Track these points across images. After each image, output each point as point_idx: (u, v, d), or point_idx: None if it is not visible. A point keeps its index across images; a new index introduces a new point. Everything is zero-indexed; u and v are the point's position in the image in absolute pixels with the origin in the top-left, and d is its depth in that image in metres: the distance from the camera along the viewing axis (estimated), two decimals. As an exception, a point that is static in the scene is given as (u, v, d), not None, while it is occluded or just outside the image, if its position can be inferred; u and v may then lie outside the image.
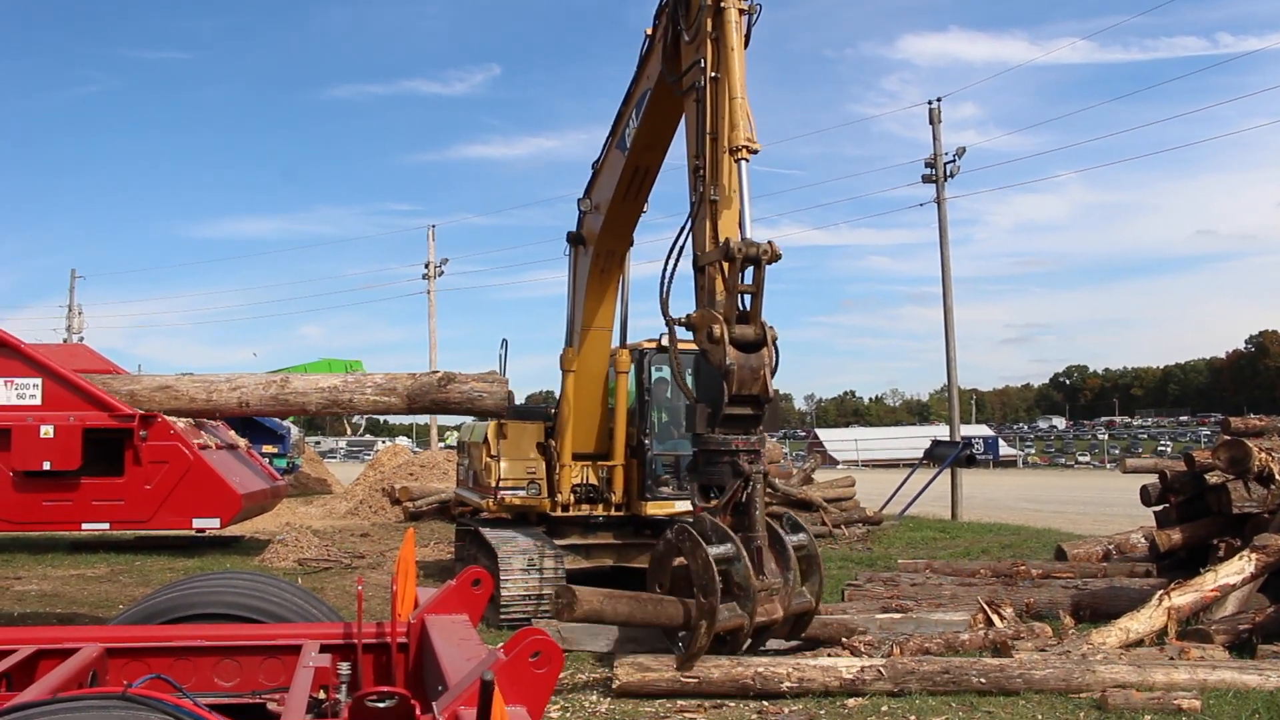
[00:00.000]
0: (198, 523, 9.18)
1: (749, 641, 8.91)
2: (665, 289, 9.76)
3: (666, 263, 9.82)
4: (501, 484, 13.27)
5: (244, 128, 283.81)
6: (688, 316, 9.31)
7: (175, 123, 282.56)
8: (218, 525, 9.31)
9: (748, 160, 9.19)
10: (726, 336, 8.82)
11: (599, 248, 13.11)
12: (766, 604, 8.78)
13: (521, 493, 13.25)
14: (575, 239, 13.50)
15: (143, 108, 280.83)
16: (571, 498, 13.35)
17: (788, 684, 8.54)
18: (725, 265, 8.97)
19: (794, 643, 9.89)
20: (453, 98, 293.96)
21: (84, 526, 9.30)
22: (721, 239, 9.13)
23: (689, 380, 10.16)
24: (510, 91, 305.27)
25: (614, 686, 8.66)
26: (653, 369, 13.57)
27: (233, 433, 11.58)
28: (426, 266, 48.13)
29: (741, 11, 9.60)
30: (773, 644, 9.73)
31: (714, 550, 8.53)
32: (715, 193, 9.42)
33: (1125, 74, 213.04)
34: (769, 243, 8.89)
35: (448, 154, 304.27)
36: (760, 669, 8.60)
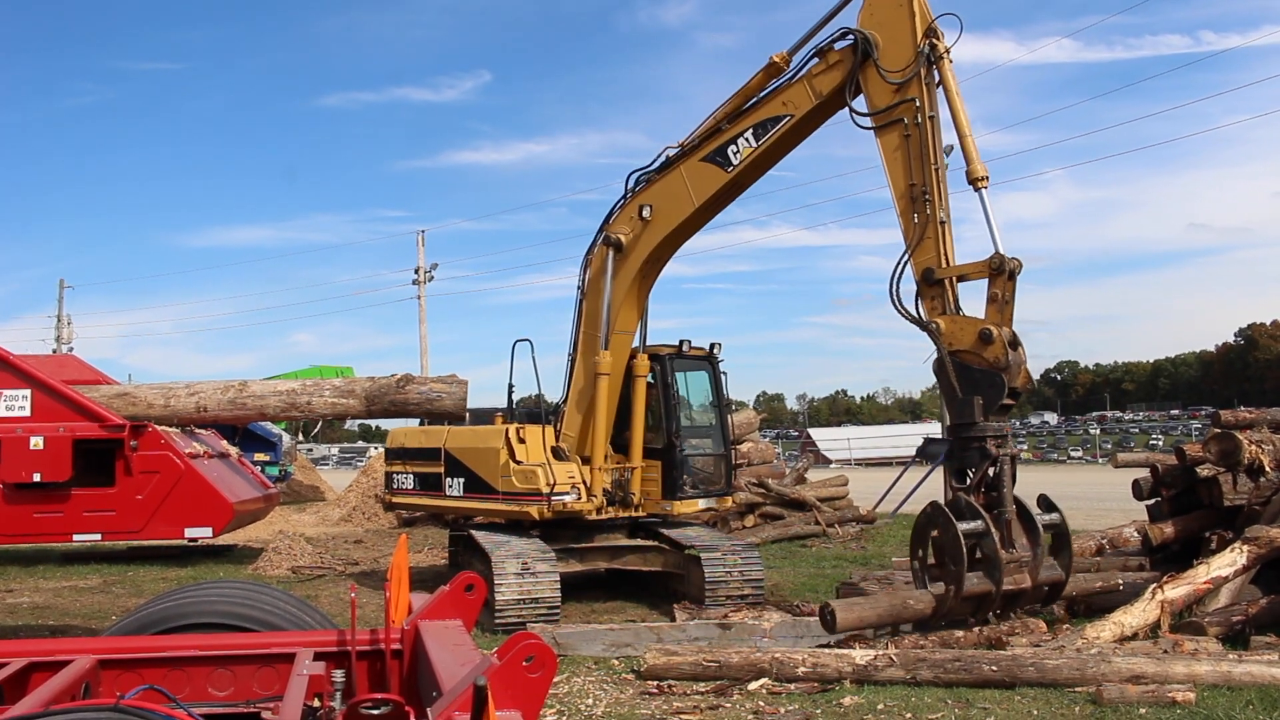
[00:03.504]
0: (190, 532, 9.13)
1: (1000, 609, 10.08)
2: (898, 298, 10.94)
3: (896, 274, 10.97)
4: (556, 489, 12.96)
5: (235, 137, 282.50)
6: (936, 323, 10.51)
7: (167, 133, 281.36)
8: (210, 534, 9.27)
9: (986, 188, 10.58)
10: (1005, 338, 10.04)
11: (650, 255, 13.25)
12: (1015, 574, 9.94)
13: (567, 498, 13.04)
14: (616, 245, 13.40)
15: (134, 118, 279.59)
16: (604, 501, 13.33)
17: (803, 669, 8.79)
18: (992, 277, 10.27)
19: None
20: (444, 104, 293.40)
21: (75, 538, 9.26)
22: (951, 255, 10.71)
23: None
24: (501, 98, 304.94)
25: (642, 669, 9.15)
26: (675, 372, 13.88)
27: (224, 441, 11.53)
28: (416, 271, 48.06)
29: (950, 60, 10.93)
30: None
31: (963, 526, 9.81)
32: (944, 215, 10.78)
33: (1110, 72, 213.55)
34: (1016, 258, 10.24)
35: (439, 160, 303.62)
36: (777, 655, 8.97)
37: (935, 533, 10.16)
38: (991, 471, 10.15)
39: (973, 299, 10.75)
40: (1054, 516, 10.41)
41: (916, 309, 10.86)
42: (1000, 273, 10.18)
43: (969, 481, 10.22)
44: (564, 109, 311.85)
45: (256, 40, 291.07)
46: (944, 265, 10.65)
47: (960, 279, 10.72)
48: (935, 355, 10.56)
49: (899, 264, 10.99)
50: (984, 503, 10.09)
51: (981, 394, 10.11)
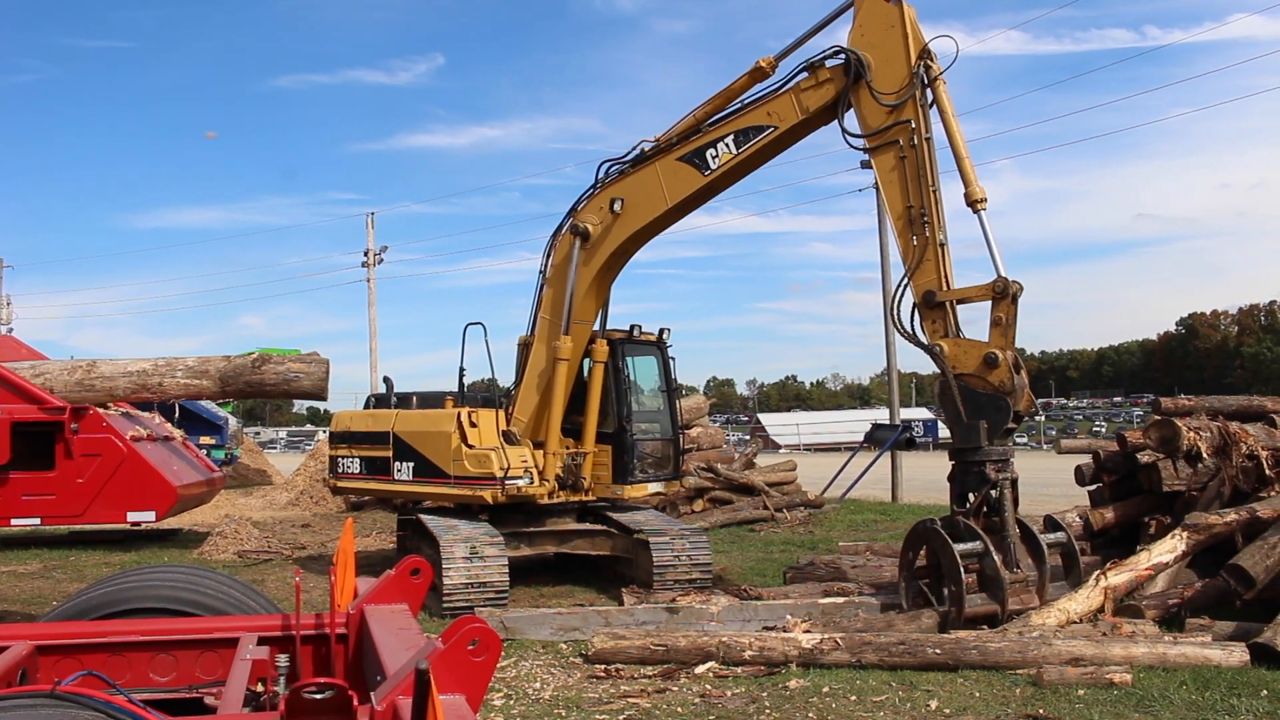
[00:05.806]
0: (132, 516, 9.02)
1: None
2: (898, 319, 11.04)
3: (899, 296, 11.10)
4: (510, 473, 12.88)
5: (185, 117, 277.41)
6: (940, 345, 10.48)
7: (115, 112, 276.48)
8: (153, 518, 9.17)
9: (985, 210, 10.59)
10: (1010, 361, 10.09)
11: (618, 248, 13.12)
12: (1022, 594, 9.90)
13: (520, 482, 12.95)
14: (583, 234, 13.17)
15: (81, 97, 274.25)
16: (555, 485, 13.29)
17: (750, 652, 8.86)
18: (995, 300, 10.24)
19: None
20: (397, 87, 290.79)
21: (13, 522, 9.12)
22: (950, 277, 10.67)
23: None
24: (454, 81, 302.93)
25: (590, 653, 9.16)
26: (626, 357, 13.89)
27: (169, 424, 11.38)
28: (366, 254, 47.59)
29: (945, 82, 10.92)
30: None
31: (961, 547, 9.79)
32: (943, 236, 10.76)
33: (1057, 64, 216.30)
34: (1018, 282, 10.26)
35: (391, 143, 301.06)
36: (724, 639, 9.03)
37: (924, 552, 10.28)
38: (994, 494, 10.14)
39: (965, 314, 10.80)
40: (1059, 535, 10.46)
41: (911, 328, 10.87)
42: (1003, 296, 10.19)
43: (969, 505, 10.21)
44: (518, 93, 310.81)
45: (208, 19, 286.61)
46: (945, 288, 10.63)
47: (961, 301, 10.68)
48: (941, 379, 10.54)
49: (899, 286, 11.03)
50: (984, 526, 10.09)
51: (987, 418, 10.11)
